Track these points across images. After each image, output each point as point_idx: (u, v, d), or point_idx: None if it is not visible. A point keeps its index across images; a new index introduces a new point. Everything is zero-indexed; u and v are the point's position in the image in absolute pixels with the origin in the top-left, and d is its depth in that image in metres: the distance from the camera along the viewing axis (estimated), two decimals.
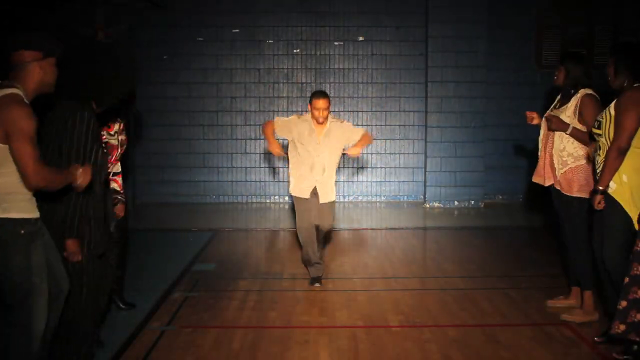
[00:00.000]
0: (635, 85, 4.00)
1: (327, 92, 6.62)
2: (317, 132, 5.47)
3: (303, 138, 5.48)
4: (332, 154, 5.53)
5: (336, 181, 5.73)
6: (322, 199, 5.54)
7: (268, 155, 9.94)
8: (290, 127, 5.52)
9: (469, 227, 8.52)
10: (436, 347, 4.23)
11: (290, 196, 5.82)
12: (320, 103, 5.37)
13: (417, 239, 7.96)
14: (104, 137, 4.45)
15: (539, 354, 4.15)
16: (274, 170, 10.02)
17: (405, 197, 10.11)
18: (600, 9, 9.92)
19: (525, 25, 9.99)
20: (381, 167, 10.10)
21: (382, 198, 10.10)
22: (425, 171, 9.86)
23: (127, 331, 4.45)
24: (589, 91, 4.59)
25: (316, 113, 5.39)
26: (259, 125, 9.94)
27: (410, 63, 9.95)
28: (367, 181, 10.13)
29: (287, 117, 5.77)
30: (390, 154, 10.08)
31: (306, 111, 5.67)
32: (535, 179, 4.89)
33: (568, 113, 4.62)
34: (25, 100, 3.08)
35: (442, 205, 9.75)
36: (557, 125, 4.62)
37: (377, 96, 10.05)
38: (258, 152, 10.02)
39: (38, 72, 3.14)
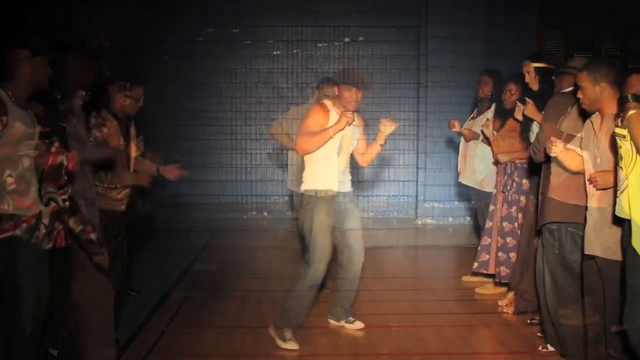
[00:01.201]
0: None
1: None
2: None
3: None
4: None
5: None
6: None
7: (269, 155, 9.94)
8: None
9: (469, 227, 8.51)
10: (436, 347, 4.24)
11: (293, 197, 5.69)
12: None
13: (417, 238, 7.96)
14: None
15: (539, 353, 4.15)
16: (274, 170, 10.02)
17: (406, 197, 10.10)
18: (603, 8, 9.89)
19: (526, 25, 9.97)
20: (381, 167, 10.09)
21: (382, 198, 10.09)
22: (425, 170, 9.84)
23: (127, 331, 4.45)
24: None
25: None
26: (260, 125, 9.92)
27: (411, 63, 9.93)
28: (366, 181, 10.12)
29: (282, 116, 5.74)
30: (390, 154, 10.07)
31: (303, 103, 5.66)
32: None
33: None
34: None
35: (441, 205, 9.74)
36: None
37: (377, 96, 10.03)
38: (258, 152, 10.01)
39: (28, 70, 3.20)
